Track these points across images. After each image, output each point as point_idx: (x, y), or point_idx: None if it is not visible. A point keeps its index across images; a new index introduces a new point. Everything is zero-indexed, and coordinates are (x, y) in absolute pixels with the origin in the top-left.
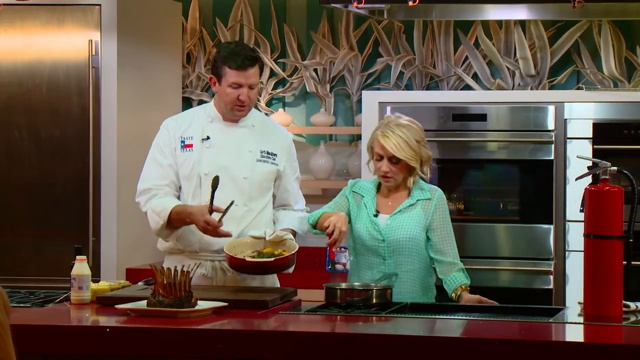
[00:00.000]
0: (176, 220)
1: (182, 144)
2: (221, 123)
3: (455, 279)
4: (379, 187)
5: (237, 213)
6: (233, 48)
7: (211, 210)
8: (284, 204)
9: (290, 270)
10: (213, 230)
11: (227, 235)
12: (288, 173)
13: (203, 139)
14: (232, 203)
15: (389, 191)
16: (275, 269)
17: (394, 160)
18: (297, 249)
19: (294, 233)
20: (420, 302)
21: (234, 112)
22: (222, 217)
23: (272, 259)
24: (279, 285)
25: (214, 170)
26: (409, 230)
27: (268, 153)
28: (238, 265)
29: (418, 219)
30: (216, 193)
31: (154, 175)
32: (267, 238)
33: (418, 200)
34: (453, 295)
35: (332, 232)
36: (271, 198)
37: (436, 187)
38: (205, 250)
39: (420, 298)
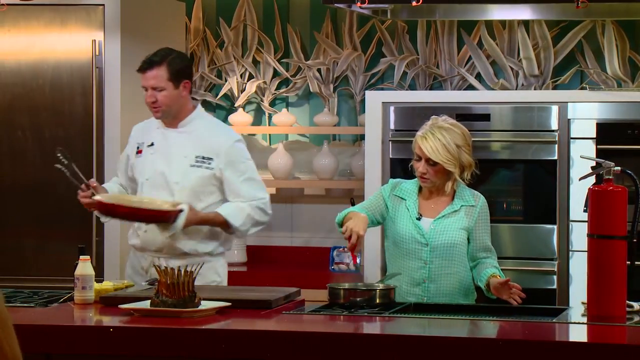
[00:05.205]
0: None
1: (136, 150)
2: (163, 129)
3: (488, 272)
4: (420, 189)
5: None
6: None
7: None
8: None
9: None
10: (83, 196)
11: (93, 190)
12: (230, 176)
13: (148, 145)
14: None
15: (431, 194)
16: (147, 218)
17: (431, 162)
18: (177, 209)
19: (225, 221)
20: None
21: (153, 113)
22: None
23: (144, 207)
24: (225, 283)
25: (153, 176)
26: (452, 235)
27: (203, 158)
28: (103, 208)
29: (461, 224)
30: (154, 195)
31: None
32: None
33: (462, 206)
34: (485, 286)
35: (350, 237)
36: (218, 201)
37: (479, 193)
38: (146, 249)
39: (461, 301)
